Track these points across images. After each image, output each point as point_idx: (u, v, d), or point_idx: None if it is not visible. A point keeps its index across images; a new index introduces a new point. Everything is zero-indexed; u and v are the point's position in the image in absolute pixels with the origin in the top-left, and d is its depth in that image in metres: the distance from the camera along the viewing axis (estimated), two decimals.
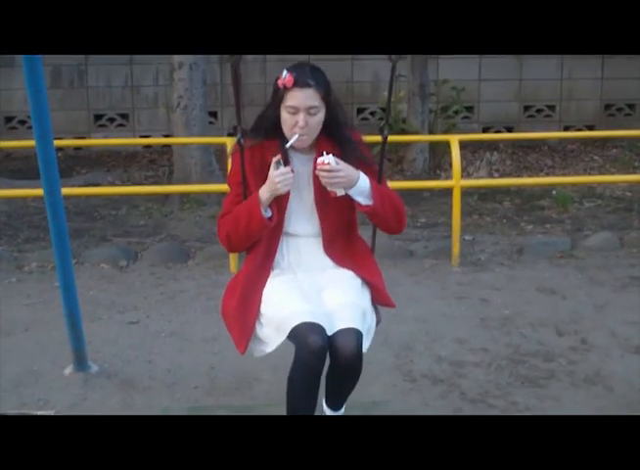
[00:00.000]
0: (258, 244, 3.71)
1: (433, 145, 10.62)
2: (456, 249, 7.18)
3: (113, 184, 10.09)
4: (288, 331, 3.45)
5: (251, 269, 3.72)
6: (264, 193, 3.56)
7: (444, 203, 8.69)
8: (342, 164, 3.53)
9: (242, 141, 3.62)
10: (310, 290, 3.64)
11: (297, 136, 3.53)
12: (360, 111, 12.05)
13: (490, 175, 10.34)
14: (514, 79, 12.13)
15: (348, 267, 3.75)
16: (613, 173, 10.51)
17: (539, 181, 9.91)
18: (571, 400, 4.72)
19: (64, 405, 4.65)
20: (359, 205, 3.62)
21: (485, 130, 12.17)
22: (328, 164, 3.49)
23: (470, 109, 12.03)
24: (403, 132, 10.23)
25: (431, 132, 10.67)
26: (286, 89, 3.50)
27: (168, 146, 10.81)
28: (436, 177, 10.24)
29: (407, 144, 10.44)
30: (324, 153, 3.53)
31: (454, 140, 7.18)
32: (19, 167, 10.80)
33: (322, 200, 3.67)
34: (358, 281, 3.73)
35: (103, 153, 11.57)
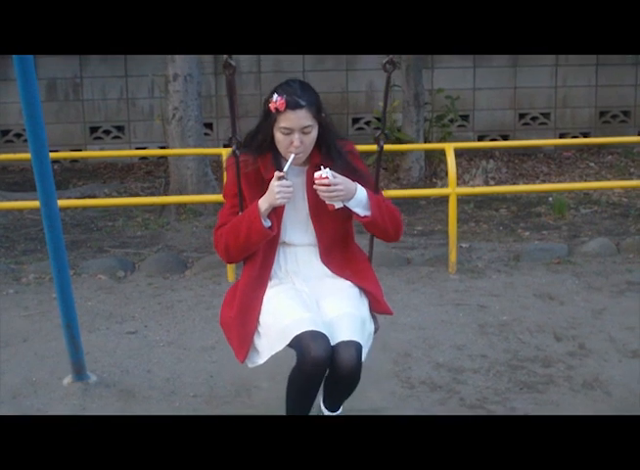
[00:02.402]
0: (256, 254, 3.73)
1: (428, 154, 10.64)
2: (453, 256, 7.18)
3: (109, 196, 10.10)
4: (289, 339, 3.48)
5: (249, 279, 3.75)
6: (263, 203, 3.57)
7: (441, 211, 8.71)
8: (340, 177, 3.56)
9: (237, 152, 3.66)
10: (309, 299, 3.66)
11: (292, 157, 3.55)
12: (355, 121, 12.08)
13: (486, 183, 10.36)
14: (508, 87, 12.16)
15: (346, 277, 3.78)
16: (608, 180, 10.53)
17: (535, 188, 9.93)
18: (569, 406, 4.72)
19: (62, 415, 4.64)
20: (357, 216, 3.65)
21: (481, 139, 12.20)
22: (326, 178, 3.52)
23: (465, 117, 12.07)
24: (399, 141, 10.25)
25: (426, 141, 10.70)
26: (278, 112, 3.53)
27: (164, 157, 10.84)
28: (432, 185, 10.26)
29: (403, 153, 10.47)
30: (321, 167, 3.55)
31: (450, 148, 7.19)
32: (15, 180, 10.83)
33: (317, 211, 3.70)
34: (356, 290, 3.76)
35: (99, 165, 11.60)
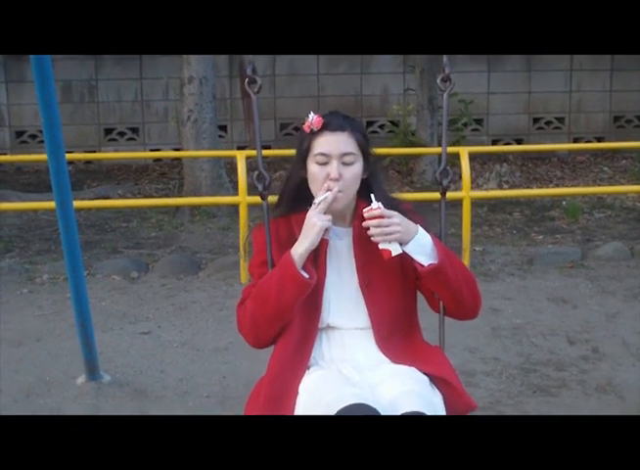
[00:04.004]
0: (288, 338, 2.88)
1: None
2: (466, 259, 7.18)
3: (123, 197, 10.13)
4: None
5: (279, 368, 2.87)
6: (298, 247, 2.80)
7: (454, 214, 8.69)
8: (397, 213, 2.81)
9: (265, 194, 3.00)
10: (361, 383, 2.80)
11: (328, 193, 2.79)
12: (369, 124, 12.08)
13: (500, 187, 10.35)
14: (523, 92, 12.15)
15: (410, 364, 2.88)
16: (622, 184, 10.51)
17: (549, 192, 9.92)
18: (582, 409, 4.71)
19: (76, 415, 4.66)
20: (420, 266, 2.82)
21: (495, 143, 12.20)
22: (378, 208, 2.77)
23: (479, 121, 12.06)
24: (412, 145, 10.26)
25: (440, 145, 10.69)
26: (313, 134, 2.85)
27: (178, 159, 10.87)
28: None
29: (417, 156, 10.47)
30: (371, 196, 2.81)
31: (464, 152, 7.21)
32: (29, 181, 10.87)
33: (369, 280, 2.89)
34: (424, 377, 2.85)
35: (113, 166, 11.64)
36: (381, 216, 2.76)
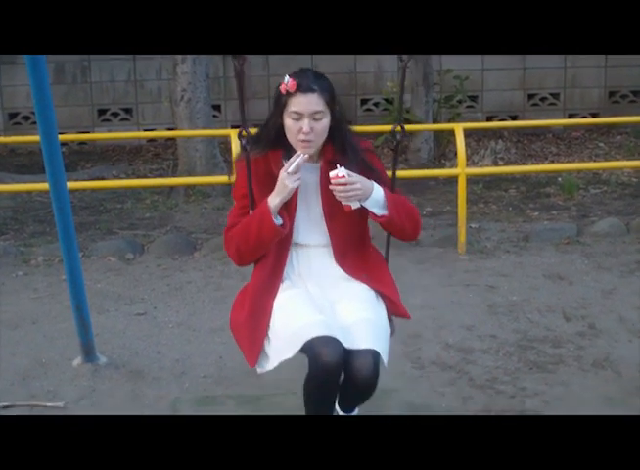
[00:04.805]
0: (267, 255, 3.57)
1: (437, 134, 10.62)
2: (462, 237, 7.17)
3: (117, 178, 10.10)
4: (301, 345, 3.32)
5: (259, 281, 3.58)
6: (274, 199, 3.42)
7: (450, 191, 8.70)
8: (356, 176, 3.39)
9: (247, 147, 3.50)
10: (323, 302, 3.51)
11: (301, 156, 3.37)
12: (364, 102, 12.04)
13: (495, 163, 10.33)
14: (517, 68, 12.09)
15: (362, 279, 3.60)
16: (618, 160, 10.48)
17: (544, 168, 9.89)
18: (579, 386, 4.72)
19: (72, 397, 4.66)
20: (374, 215, 3.48)
21: (490, 119, 12.15)
22: (342, 177, 3.34)
23: (474, 98, 12.02)
24: (407, 122, 10.22)
25: (435, 122, 10.67)
26: (289, 94, 3.39)
27: (173, 139, 10.83)
28: (441, 166, 10.24)
29: (412, 134, 10.43)
30: (336, 166, 3.38)
31: (459, 129, 7.18)
32: (23, 163, 10.84)
33: (331, 210, 3.54)
34: (372, 293, 3.59)
35: (107, 147, 11.60)
36: (344, 183, 3.33)
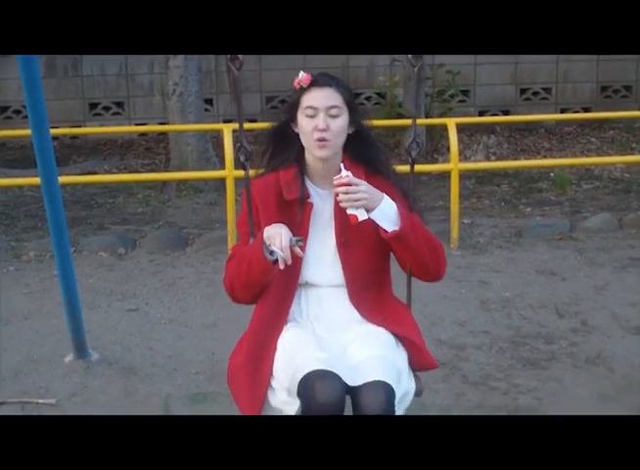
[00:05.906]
0: (269, 295, 3.13)
1: (429, 129, 10.60)
2: (455, 232, 7.17)
3: (109, 172, 10.06)
4: (297, 387, 2.83)
5: (260, 321, 3.14)
6: (269, 229, 3.00)
7: (442, 186, 8.68)
8: (364, 182, 3.01)
9: (246, 164, 3.16)
10: (332, 346, 3.02)
11: (295, 248, 2.94)
12: (356, 96, 11.96)
13: (487, 158, 10.32)
14: (509, 63, 12.08)
15: (379, 322, 3.12)
16: (610, 155, 10.50)
17: (537, 164, 9.89)
18: (572, 382, 4.73)
19: (64, 393, 4.64)
20: (384, 232, 3.02)
21: (482, 114, 12.14)
22: (346, 176, 2.97)
23: (466, 92, 12.01)
24: (400, 117, 10.20)
25: (427, 116, 10.65)
26: (302, 90, 3.07)
27: (164, 133, 10.80)
28: (434, 161, 10.23)
29: (404, 128, 10.41)
30: (341, 166, 3.02)
31: (451, 123, 7.18)
32: (14, 157, 10.79)
33: (346, 241, 3.12)
34: (392, 338, 3.09)
35: (99, 141, 11.55)
36: (349, 184, 2.96)
